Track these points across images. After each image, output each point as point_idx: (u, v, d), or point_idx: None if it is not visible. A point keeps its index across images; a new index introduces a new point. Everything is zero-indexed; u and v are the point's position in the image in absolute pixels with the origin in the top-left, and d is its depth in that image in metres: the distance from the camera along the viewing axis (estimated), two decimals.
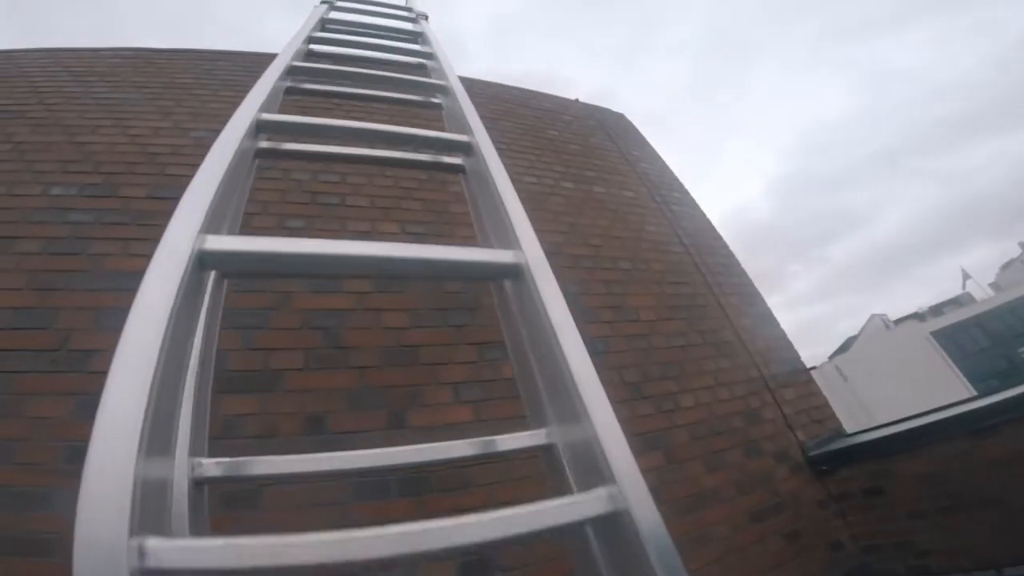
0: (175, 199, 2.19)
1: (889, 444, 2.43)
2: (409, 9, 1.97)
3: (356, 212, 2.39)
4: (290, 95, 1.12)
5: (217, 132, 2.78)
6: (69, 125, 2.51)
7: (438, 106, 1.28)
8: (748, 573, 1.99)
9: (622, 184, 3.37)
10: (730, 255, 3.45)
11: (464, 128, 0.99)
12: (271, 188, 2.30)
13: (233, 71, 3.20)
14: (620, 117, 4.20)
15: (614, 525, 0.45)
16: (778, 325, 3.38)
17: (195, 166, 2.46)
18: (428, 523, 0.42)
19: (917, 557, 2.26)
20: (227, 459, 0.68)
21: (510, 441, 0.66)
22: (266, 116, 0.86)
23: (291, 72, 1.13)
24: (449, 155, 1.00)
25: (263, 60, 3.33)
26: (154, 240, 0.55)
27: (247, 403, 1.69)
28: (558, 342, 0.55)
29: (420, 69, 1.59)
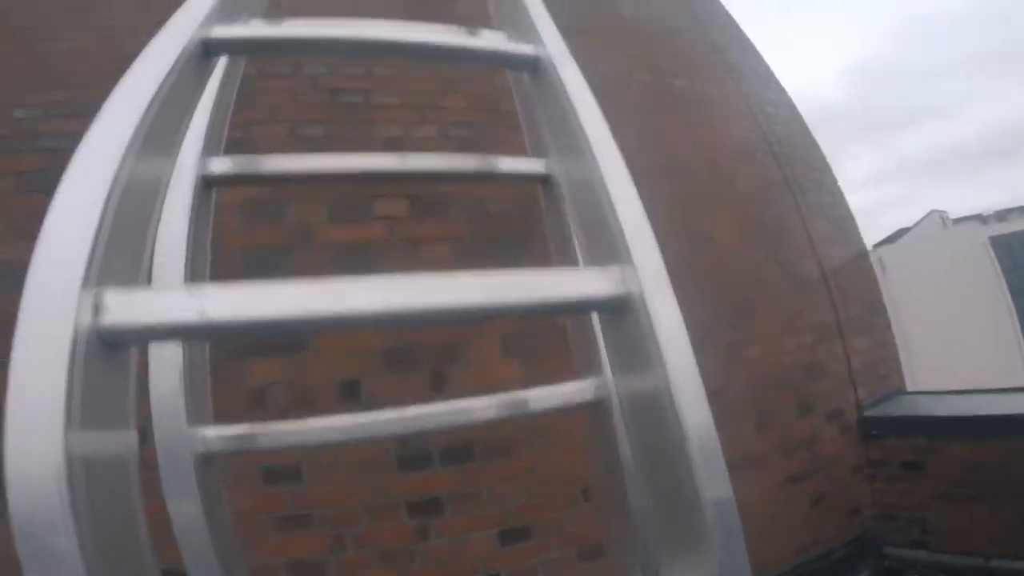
0: None
1: (948, 425, 2.31)
2: None
3: (384, 113, 1.97)
4: None
5: None
6: (22, 27, 2.04)
7: None
8: (764, 535, 1.98)
9: (708, 78, 2.75)
10: (826, 168, 2.96)
11: None
12: (280, 88, 1.87)
13: None
14: None
15: (623, 310, 0.39)
16: (867, 256, 3.02)
17: None
18: (420, 277, 0.36)
19: (922, 534, 2.30)
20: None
21: (509, 164, 0.65)
22: None
23: None
24: None
25: None
26: None
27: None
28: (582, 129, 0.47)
29: None
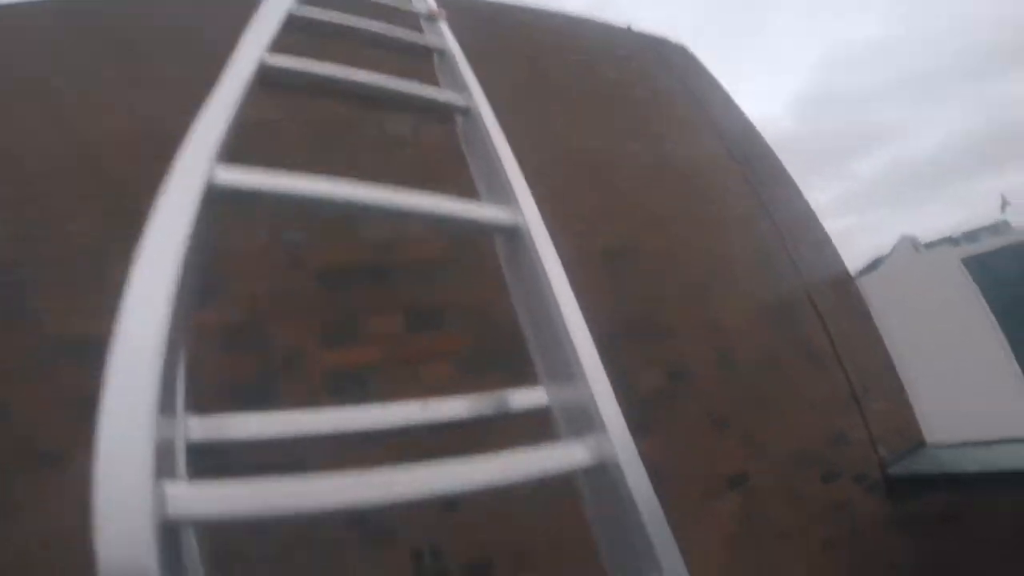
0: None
1: (976, 481, 2.38)
2: None
3: None
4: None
5: None
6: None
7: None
8: None
9: (697, 142, 2.80)
10: (822, 232, 3.00)
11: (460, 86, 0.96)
12: None
13: None
14: (682, 50, 3.43)
15: (602, 475, 0.49)
16: (874, 325, 3.05)
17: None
18: (431, 467, 0.44)
19: None
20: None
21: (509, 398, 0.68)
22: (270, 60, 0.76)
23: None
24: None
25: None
26: None
27: None
28: (555, 301, 0.58)
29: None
